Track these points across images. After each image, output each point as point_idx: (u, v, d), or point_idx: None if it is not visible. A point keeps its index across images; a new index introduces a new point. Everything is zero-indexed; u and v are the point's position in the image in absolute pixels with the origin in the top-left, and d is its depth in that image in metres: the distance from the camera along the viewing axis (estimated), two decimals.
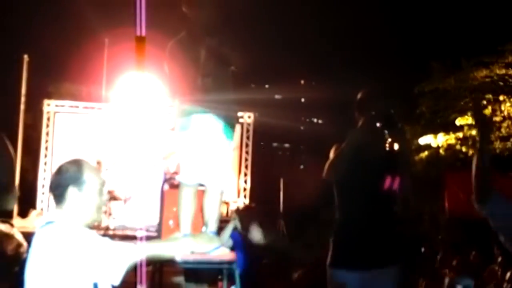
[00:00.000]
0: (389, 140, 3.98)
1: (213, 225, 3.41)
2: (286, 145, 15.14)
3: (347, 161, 3.89)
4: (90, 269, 2.65)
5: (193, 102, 3.37)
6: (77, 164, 2.87)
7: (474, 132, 11.11)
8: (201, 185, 3.48)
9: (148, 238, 3.17)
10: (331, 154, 3.99)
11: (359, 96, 4.10)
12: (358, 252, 3.89)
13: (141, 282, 2.80)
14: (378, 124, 3.93)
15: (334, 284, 3.95)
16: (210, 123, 3.42)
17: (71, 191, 2.79)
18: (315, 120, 16.55)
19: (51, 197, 2.91)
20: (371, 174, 3.93)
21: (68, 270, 2.64)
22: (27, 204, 11.37)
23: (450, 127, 12.02)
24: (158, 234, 4.39)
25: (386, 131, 3.96)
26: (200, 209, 3.44)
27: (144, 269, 2.77)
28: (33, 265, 2.76)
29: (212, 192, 3.45)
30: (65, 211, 2.82)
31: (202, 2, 3.44)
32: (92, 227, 2.90)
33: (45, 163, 12.15)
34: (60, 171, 2.88)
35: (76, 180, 2.80)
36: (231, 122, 3.52)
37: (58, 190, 2.82)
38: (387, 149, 3.97)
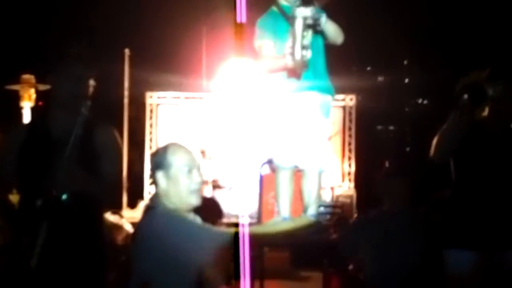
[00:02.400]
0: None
1: (312, 208, 3.22)
2: (391, 127, 14.69)
3: (450, 142, 3.74)
4: (189, 255, 2.59)
5: (288, 76, 3.19)
6: (164, 147, 2.83)
7: None
8: (299, 168, 3.30)
9: (251, 225, 3.06)
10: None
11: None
12: (485, 231, 3.64)
13: (244, 268, 2.68)
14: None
15: (456, 266, 3.69)
16: (305, 101, 3.23)
17: (159, 175, 2.74)
18: (420, 101, 16.01)
19: (150, 182, 2.90)
20: (493, 145, 3.74)
21: (168, 255, 2.59)
22: (136, 195, 11.62)
23: None
24: (258, 220, 4.28)
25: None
26: (299, 193, 3.26)
27: (247, 254, 2.64)
28: (137, 253, 2.75)
29: (310, 174, 3.26)
30: (160, 195, 2.77)
31: None
32: (212, 212, 2.85)
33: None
34: (152, 154, 2.92)
35: (162, 163, 2.75)
36: (329, 98, 3.30)
37: (151, 174, 2.79)
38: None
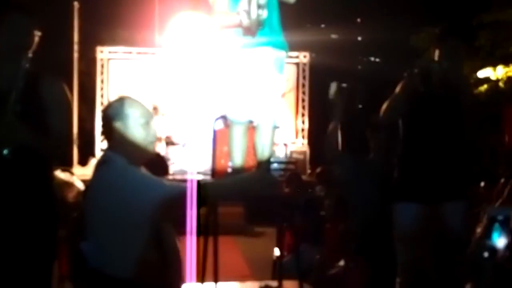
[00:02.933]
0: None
1: (266, 163, 3.21)
2: (344, 85, 14.80)
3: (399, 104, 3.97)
4: (143, 207, 2.56)
5: (244, 34, 3.14)
6: (120, 99, 2.78)
7: None
8: (252, 123, 3.28)
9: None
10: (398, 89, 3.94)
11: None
12: (427, 185, 3.84)
13: (191, 224, 2.65)
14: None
15: (401, 217, 3.86)
16: (259, 56, 3.19)
17: (117, 125, 2.68)
18: (372, 59, 16.11)
19: (102, 137, 2.85)
20: (436, 109, 3.88)
21: (123, 208, 2.56)
22: (86, 152, 11.48)
23: (510, 60, 11.56)
24: (211, 175, 4.26)
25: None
26: (253, 148, 3.24)
27: (194, 210, 2.62)
28: (91, 207, 2.70)
29: (263, 128, 3.24)
30: (115, 148, 2.72)
31: None
32: (159, 168, 2.81)
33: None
34: (105, 108, 2.83)
35: (120, 114, 2.69)
36: (283, 54, 3.28)
37: (105, 128, 2.72)
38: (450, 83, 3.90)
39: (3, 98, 2.85)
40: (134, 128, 2.73)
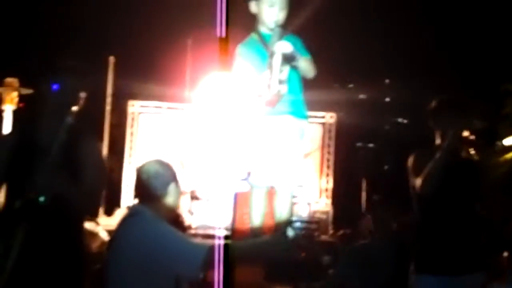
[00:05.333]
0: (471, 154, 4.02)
1: (283, 227, 3.33)
2: (370, 145, 14.83)
3: (438, 179, 3.88)
4: (170, 262, 2.69)
5: (265, 105, 3.30)
6: (155, 161, 3.16)
7: None
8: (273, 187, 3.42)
9: (227, 237, 3.15)
10: (411, 161, 3.97)
11: (434, 105, 4.04)
12: (445, 257, 3.79)
13: (218, 281, 2.76)
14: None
15: None
16: (281, 124, 3.35)
17: (149, 184, 2.91)
18: (400, 120, 16.14)
19: (137, 193, 3.17)
20: (457, 188, 3.96)
21: (149, 263, 2.68)
22: (113, 202, 11.61)
23: None
24: (231, 236, 4.38)
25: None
26: (272, 210, 3.38)
27: (221, 267, 2.73)
28: (116, 258, 2.82)
29: (282, 194, 3.38)
30: (144, 203, 2.91)
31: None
32: (177, 225, 3.00)
33: (130, 163, 12.38)
34: (140, 167, 3.17)
35: (153, 174, 2.94)
36: (304, 122, 3.43)
37: (138, 185, 2.95)
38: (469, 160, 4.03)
39: (47, 149, 3.06)
40: (165, 188, 2.95)
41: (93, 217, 6.22)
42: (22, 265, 3.04)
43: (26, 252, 3.04)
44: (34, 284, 3.15)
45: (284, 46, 3.16)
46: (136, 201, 3.13)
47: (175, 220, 3.56)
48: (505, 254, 6.12)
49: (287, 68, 3.20)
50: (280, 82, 3.16)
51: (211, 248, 2.85)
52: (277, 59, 3.15)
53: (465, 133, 3.89)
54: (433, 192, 3.88)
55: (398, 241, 4.53)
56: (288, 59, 3.18)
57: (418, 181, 3.88)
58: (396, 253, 4.40)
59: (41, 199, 3.00)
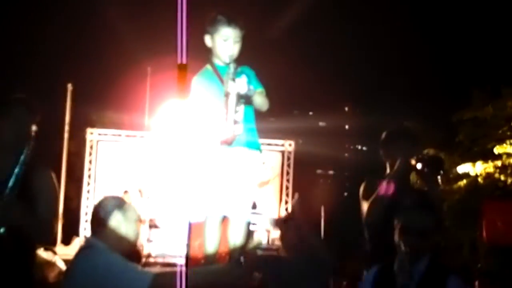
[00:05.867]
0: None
1: (237, 255, 3.35)
2: (330, 172, 15.03)
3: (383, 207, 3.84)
4: None
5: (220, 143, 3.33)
6: (112, 198, 3.19)
7: None
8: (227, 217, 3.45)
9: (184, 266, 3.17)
10: (362, 188, 4.01)
11: (384, 136, 4.10)
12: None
13: None
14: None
15: None
16: (235, 156, 3.38)
17: (106, 220, 2.93)
18: (359, 147, 16.38)
19: (90, 225, 3.16)
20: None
21: None
22: (70, 231, 11.49)
23: (488, 156, 11.85)
24: (185, 265, 4.38)
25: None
26: (226, 239, 3.40)
27: None
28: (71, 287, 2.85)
29: (236, 223, 3.41)
30: (99, 236, 2.94)
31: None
32: (133, 254, 3.04)
33: (88, 191, 12.27)
34: (98, 204, 3.19)
35: (111, 211, 2.98)
36: (257, 153, 3.47)
37: (94, 220, 2.97)
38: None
39: (3, 183, 3.08)
40: (122, 226, 3.00)
41: (47, 244, 6.16)
42: None
43: None
44: None
45: (239, 87, 3.18)
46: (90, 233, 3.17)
47: (130, 250, 3.55)
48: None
49: (242, 108, 3.23)
50: (235, 122, 3.19)
51: (158, 275, 2.93)
52: (232, 100, 3.18)
53: (414, 162, 3.95)
54: (379, 220, 3.94)
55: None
56: (243, 98, 3.21)
57: (364, 208, 3.94)
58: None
59: (1, 230, 3.04)
